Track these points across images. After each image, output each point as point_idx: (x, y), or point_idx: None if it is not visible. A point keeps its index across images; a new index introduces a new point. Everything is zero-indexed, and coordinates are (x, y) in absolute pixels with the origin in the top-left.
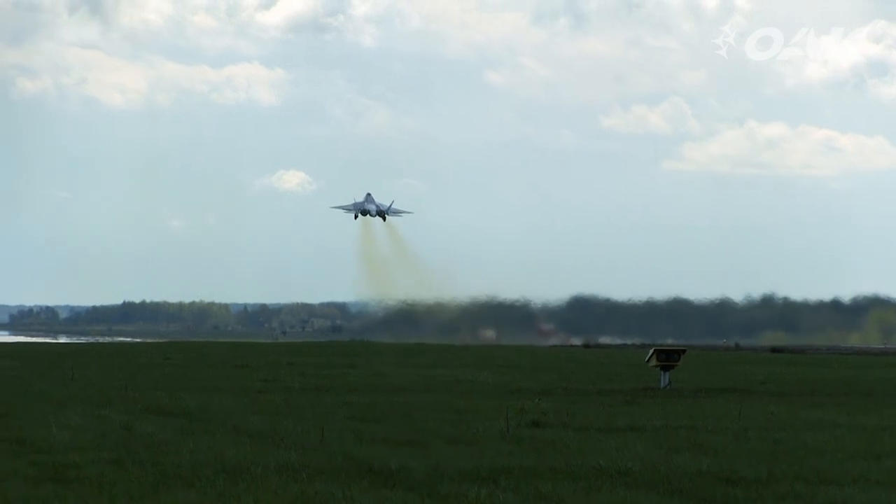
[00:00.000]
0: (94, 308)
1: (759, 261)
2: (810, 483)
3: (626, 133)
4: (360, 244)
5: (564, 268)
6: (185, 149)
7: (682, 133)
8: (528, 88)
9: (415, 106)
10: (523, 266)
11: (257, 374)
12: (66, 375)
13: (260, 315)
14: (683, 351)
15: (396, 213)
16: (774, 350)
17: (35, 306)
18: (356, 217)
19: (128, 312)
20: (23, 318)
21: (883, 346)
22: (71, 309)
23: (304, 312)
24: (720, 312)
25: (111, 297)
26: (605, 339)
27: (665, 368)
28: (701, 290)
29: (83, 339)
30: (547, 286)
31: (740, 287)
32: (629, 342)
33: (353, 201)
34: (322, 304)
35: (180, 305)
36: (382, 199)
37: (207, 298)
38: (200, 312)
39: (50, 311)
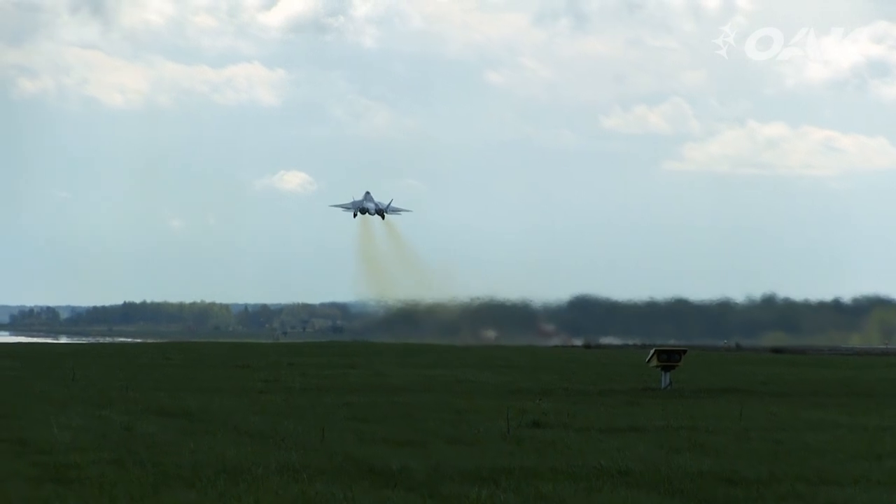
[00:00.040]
0: (95, 308)
1: (759, 261)
2: (811, 483)
3: (627, 133)
4: (360, 242)
5: (565, 268)
6: (186, 149)
7: (683, 133)
8: (528, 88)
9: (415, 106)
10: (524, 266)
11: (258, 374)
12: (67, 376)
13: (261, 315)
14: (684, 351)
15: (395, 211)
16: (775, 350)
17: (36, 307)
18: (355, 215)
19: (128, 313)
20: (23, 319)
21: (884, 347)
22: (72, 309)
23: (304, 313)
24: (721, 313)
25: (112, 297)
26: (605, 340)
27: (666, 369)
28: (701, 290)
29: (84, 340)
30: (547, 286)
31: (741, 287)
32: (630, 342)
33: (351, 200)
34: (323, 305)
35: (181, 306)
36: (382, 199)
37: (208, 299)
38: (201, 313)
39: (51, 312)
